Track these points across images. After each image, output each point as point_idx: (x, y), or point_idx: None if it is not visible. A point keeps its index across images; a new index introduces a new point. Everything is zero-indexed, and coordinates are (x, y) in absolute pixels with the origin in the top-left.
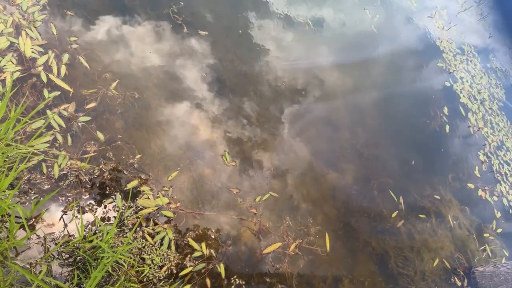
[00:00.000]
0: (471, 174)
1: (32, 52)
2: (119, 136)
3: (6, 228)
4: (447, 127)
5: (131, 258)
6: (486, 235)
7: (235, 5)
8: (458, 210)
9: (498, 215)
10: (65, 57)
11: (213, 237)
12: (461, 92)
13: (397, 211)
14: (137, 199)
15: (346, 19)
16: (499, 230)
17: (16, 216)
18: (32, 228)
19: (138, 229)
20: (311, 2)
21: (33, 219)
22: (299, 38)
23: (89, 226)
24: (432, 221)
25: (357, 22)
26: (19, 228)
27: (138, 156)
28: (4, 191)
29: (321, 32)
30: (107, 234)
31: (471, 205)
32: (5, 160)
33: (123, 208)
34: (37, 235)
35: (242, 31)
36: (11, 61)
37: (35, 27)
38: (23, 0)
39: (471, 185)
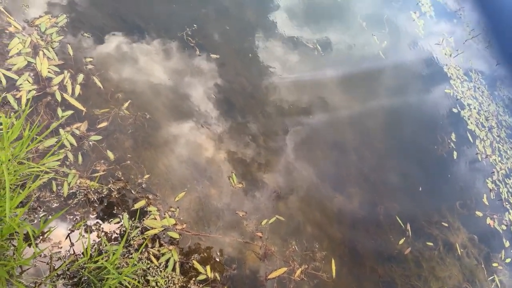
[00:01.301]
0: (479, 202)
1: (48, 71)
2: (129, 155)
3: (14, 246)
4: (455, 153)
5: (135, 279)
6: (495, 264)
7: (246, 29)
8: (466, 238)
9: (507, 244)
10: (80, 77)
11: (218, 260)
12: (468, 119)
13: (404, 238)
14: (144, 219)
15: (354, 44)
16: (507, 260)
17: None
18: (39, 246)
19: (143, 250)
20: (320, 27)
21: (40, 237)
22: (308, 62)
23: (95, 245)
24: (440, 249)
25: (365, 48)
26: (26, 246)
27: (147, 176)
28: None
29: (329, 57)
30: (113, 255)
31: (479, 233)
32: (17, 178)
33: (129, 228)
34: (44, 254)
35: (252, 55)
36: (28, 80)
37: (52, 48)
38: (42, 22)
39: (479, 213)
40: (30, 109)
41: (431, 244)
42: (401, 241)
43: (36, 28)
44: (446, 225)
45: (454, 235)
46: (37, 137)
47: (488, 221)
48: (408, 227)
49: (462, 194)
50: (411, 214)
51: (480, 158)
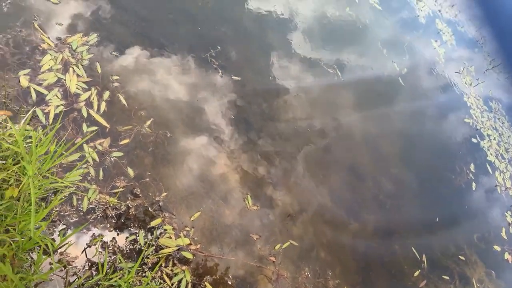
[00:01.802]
0: (497, 235)
1: (77, 88)
2: (148, 173)
3: (32, 258)
4: (474, 184)
5: None
6: None
7: (267, 52)
8: (483, 273)
9: None
10: (106, 94)
11: (229, 283)
12: (488, 150)
13: (419, 270)
14: (159, 238)
15: (373, 70)
16: None
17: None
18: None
19: (157, 268)
20: (340, 53)
21: (58, 251)
22: (327, 86)
23: (110, 262)
24: (456, 283)
25: (385, 74)
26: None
27: (164, 194)
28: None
29: (349, 82)
30: (128, 273)
31: (497, 268)
32: (41, 192)
33: (145, 246)
34: (61, 268)
35: (272, 77)
36: (56, 96)
37: (82, 65)
38: (74, 40)
39: (497, 247)
40: (60, 125)
41: (447, 277)
42: (416, 273)
43: (68, 45)
44: (463, 258)
45: (471, 269)
46: (64, 152)
47: (506, 256)
48: (424, 258)
49: (480, 227)
50: (427, 245)
51: (499, 190)
